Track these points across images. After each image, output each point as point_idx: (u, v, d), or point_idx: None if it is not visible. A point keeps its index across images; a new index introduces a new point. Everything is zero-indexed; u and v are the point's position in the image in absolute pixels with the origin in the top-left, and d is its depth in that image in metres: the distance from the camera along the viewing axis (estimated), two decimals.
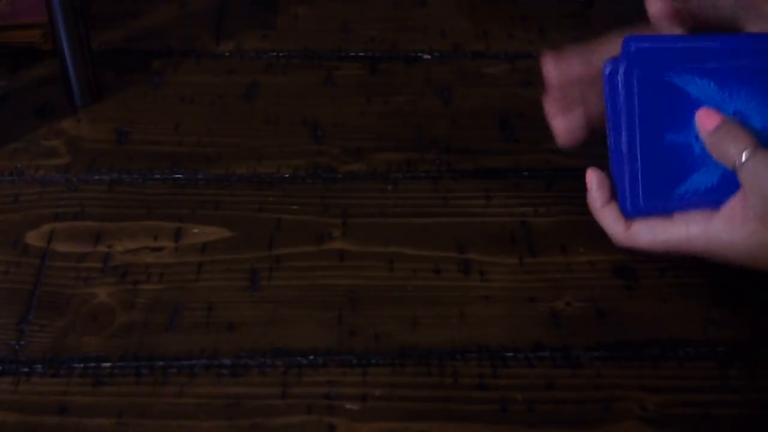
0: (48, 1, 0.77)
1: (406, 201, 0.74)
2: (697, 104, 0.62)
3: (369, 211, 0.73)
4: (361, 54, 0.89)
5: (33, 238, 0.70)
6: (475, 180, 0.76)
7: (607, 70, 0.62)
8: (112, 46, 0.89)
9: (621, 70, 0.62)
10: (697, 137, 0.62)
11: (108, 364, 0.62)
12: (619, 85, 0.62)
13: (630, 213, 0.63)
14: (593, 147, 0.72)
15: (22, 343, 0.63)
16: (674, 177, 0.62)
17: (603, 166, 0.76)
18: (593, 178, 0.64)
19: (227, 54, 0.89)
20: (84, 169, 0.76)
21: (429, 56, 0.89)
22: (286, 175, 0.76)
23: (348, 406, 0.60)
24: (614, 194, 0.63)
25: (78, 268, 0.68)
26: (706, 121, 0.61)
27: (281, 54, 0.89)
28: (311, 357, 0.62)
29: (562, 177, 0.75)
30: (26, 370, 0.61)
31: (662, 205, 0.62)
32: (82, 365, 0.62)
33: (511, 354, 0.63)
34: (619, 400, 0.60)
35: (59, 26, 0.78)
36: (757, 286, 0.66)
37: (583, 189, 0.71)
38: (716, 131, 0.60)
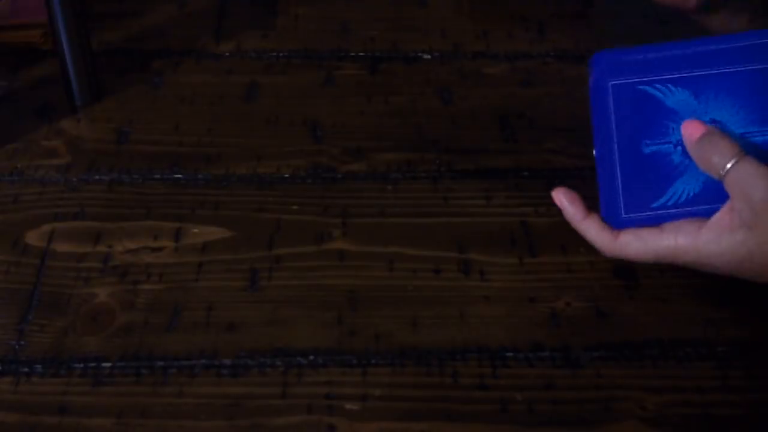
0: (48, 1, 0.77)
1: (406, 201, 0.74)
2: (672, 112, 0.62)
3: (369, 211, 0.73)
4: (361, 54, 0.89)
5: (33, 238, 0.70)
6: (475, 180, 0.76)
7: (591, 82, 0.63)
8: (112, 46, 0.89)
9: (594, 81, 0.62)
10: (675, 145, 0.62)
11: (108, 364, 0.62)
12: (596, 97, 0.62)
13: (613, 225, 0.63)
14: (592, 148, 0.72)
15: (22, 343, 0.63)
16: (656, 186, 0.62)
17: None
18: (562, 197, 0.64)
19: (227, 54, 0.89)
20: (84, 170, 0.76)
21: (429, 56, 0.89)
22: (286, 175, 0.76)
23: (348, 406, 0.60)
24: (591, 206, 0.63)
25: (78, 268, 0.68)
26: (690, 131, 0.61)
27: (281, 54, 0.89)
28: (311, 357, 0.62)
29: (562, 177, 0.75)
30: (26, 370, 0.61)
31: (645, 217, 0.62)
32: (82, 365, 0.62)
33: (511, 354, 0.63)
34: (619, 400, 0.60)
35: (59, 26, 0.78)
36: (757, 287, 0.66)
37: (583, 189, 0.71)
38: (700, 141, 0.60)
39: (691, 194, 0.62)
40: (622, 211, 0.62)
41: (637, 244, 0.62)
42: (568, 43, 0.91)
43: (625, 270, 0.68)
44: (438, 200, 0.74)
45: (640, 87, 0.61)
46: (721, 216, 0.59)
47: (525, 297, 0.67)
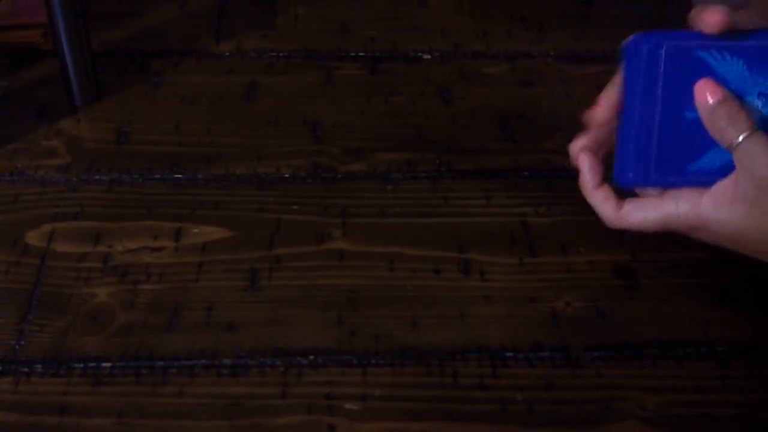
0: (48, 1, 0.77)
1: (406, 201, 0.74)
2: (722, 81, 0.60)
3: (369, 211, 0.73)
4: (361, 54, 0.89)
5: (33, 238, 0.70)
6: (475, 180, 0.76)
7: (631, 44, 0.62)
8: (112, 46, 0.89)
9: (650, 43, 0.61)
10: None
11: (108, 364, 0.62)
12: (646, 58, 0.60)
13: (634, 183, 0.61)
14: None
15: (22, 343, 0.63)
16: (689, 153, 0.61)
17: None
18: (585, 161, 0.62)
19: (227, 54, 0.89)
20: (84, 170, 0.76)
21: (429, 56, 0.89)
22: (286, 175, 0.76)
23: (348, 406, 0.60)
24: (606, 176, 0.62)
25: (78, 268, 0.68)
26: (706, 93, 0.59)
27: (281, 54, 0.89)
28: (311, 357, 0.62)
29: (562, 177, 0.75)
30: (26, 370, 0.61)
31: (672, 180, 0.61)
32: (82, 365, 0.62)
33: (511, 354, 0.63)
34: (619, 400, 0.60)
35: (59, 26, 0.78)
36: (757, 287, 0.66)
37: None
38: (716, 107, 0.59)
39: (722, 163, 0.60)
40: (652, 172, 0.61)
41: (639, 212, 0.61)
42: (568, 43, 0.91)
43: (625, 270, 0.68)
44: (438, 200, 0.74)
45: (695, 51, 0.60)
46: (724, 187, 0.58)
47: (525, 297, 0.67)
